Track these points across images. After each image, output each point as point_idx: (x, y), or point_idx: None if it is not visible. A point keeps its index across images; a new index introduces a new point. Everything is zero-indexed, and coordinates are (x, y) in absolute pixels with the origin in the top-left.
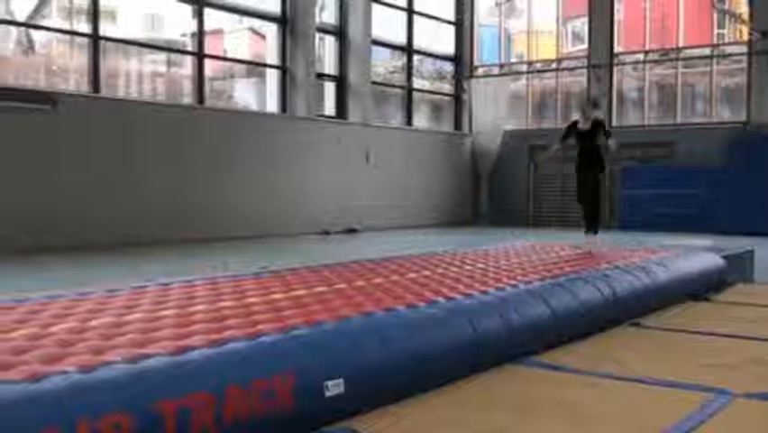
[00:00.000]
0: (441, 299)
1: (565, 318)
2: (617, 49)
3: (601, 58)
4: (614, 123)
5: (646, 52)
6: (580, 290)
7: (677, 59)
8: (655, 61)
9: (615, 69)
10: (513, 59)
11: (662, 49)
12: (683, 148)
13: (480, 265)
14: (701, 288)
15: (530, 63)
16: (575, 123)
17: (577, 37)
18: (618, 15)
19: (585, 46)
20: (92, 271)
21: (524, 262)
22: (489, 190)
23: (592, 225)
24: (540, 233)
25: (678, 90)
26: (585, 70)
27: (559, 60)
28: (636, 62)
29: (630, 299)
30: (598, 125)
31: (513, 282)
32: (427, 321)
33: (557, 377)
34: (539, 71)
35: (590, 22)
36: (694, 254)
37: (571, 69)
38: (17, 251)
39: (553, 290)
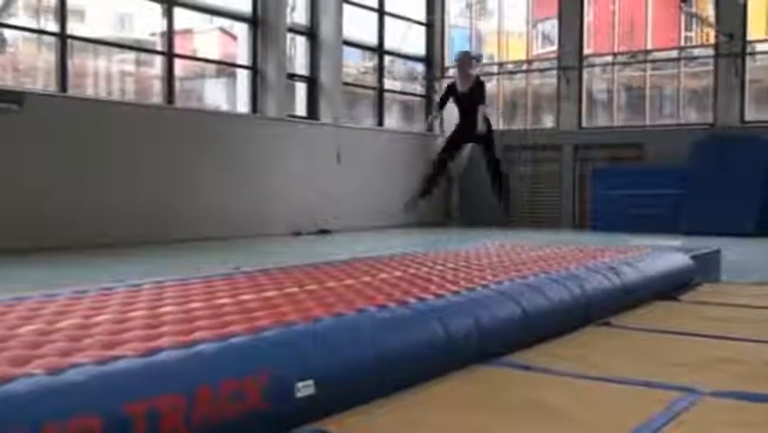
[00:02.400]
0: (412, 300)
1: (536, 318)
2: (586, 51)
3: (571, 59)
4: (584, 124)
5: (615, 54)
6: (551, 290)
7: (645, 62)
8: (624, 63)
9: (584, 70)
10: (484, 61)
11: (630, 51)
12: (652, 149)
13: (452, 266)
14: (670, 287)
15: (501, 64)
16: (453, 84)
17: (547, 39)
18: (588, 17)
19: (555, 48)
20: (65, 272)
21: (495, 262)
22: (461, 191)
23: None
24: (511, 233)
25: (646, 92)
26: (555, 72)
27: (529, 62)
28: (605, 64)
29: (600, 298)
30: (478, 86)
31: (484, 282)
32: (398, 322)
33: (528, 377)
34: (510, 72)
35: (560, 24)
36: (663, 254)
37: (542, 71)
38: None
39: (523, 289)
